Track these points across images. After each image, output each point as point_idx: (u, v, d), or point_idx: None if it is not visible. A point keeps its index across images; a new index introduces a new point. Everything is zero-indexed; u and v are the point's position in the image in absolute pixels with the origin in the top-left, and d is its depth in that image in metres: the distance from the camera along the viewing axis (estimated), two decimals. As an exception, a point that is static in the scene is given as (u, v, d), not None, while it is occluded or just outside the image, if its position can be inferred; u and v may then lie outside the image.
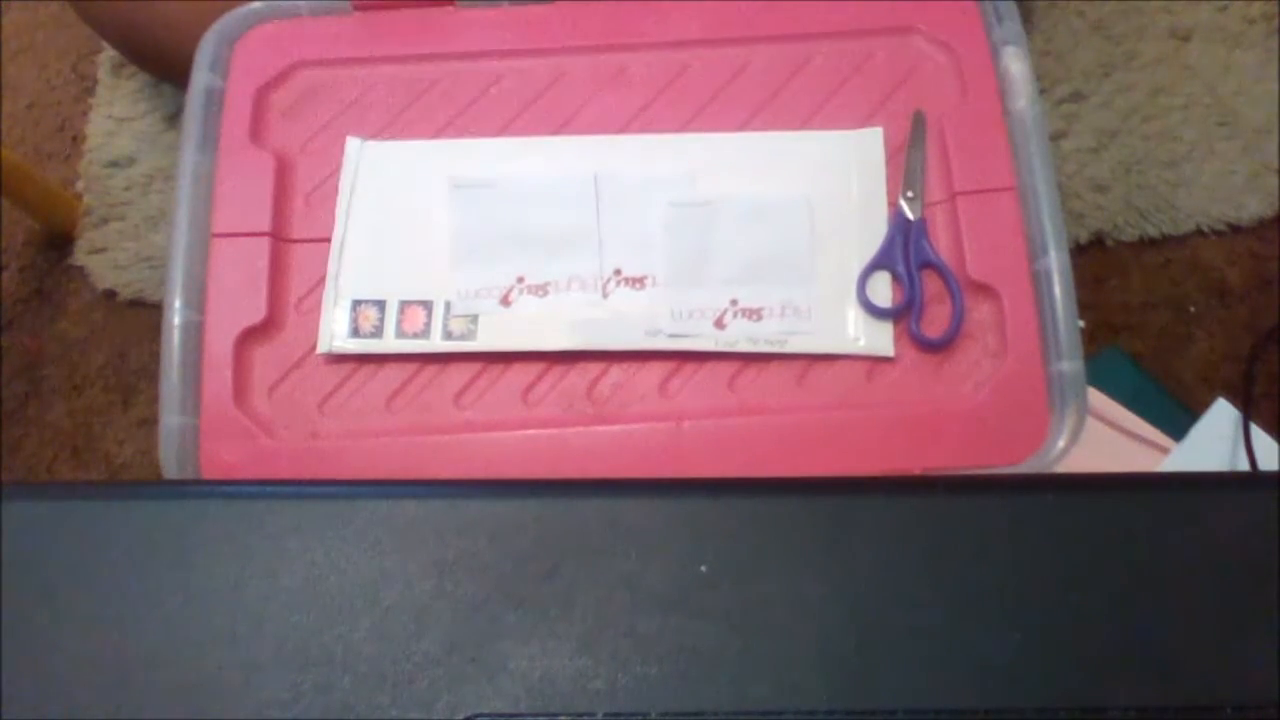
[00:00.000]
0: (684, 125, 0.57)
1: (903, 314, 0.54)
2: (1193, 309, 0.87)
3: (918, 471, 0.51)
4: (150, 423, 0.86)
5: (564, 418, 0.53)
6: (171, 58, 0.70)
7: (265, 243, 0.55)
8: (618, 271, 0.55)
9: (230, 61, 0.59)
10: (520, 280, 0.55)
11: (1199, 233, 0.89)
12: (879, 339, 0.53)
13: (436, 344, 0.54)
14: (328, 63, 0.59)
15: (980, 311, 0.54)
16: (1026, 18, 0.94)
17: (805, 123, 0.57)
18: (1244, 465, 0.75)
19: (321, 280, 0.55)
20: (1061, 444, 0.51)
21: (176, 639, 0.31)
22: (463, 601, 0.31)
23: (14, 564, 0.31)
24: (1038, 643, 0.30)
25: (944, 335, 0.53)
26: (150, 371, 0.88)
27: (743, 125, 0.57)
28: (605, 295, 0.54)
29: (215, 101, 0.57)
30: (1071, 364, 0.51)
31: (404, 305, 0.54)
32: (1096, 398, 0.78)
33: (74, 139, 0.97)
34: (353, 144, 0.57)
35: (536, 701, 0.30)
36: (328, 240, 0.55)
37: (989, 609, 0.31)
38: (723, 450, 0.52)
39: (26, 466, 0.87)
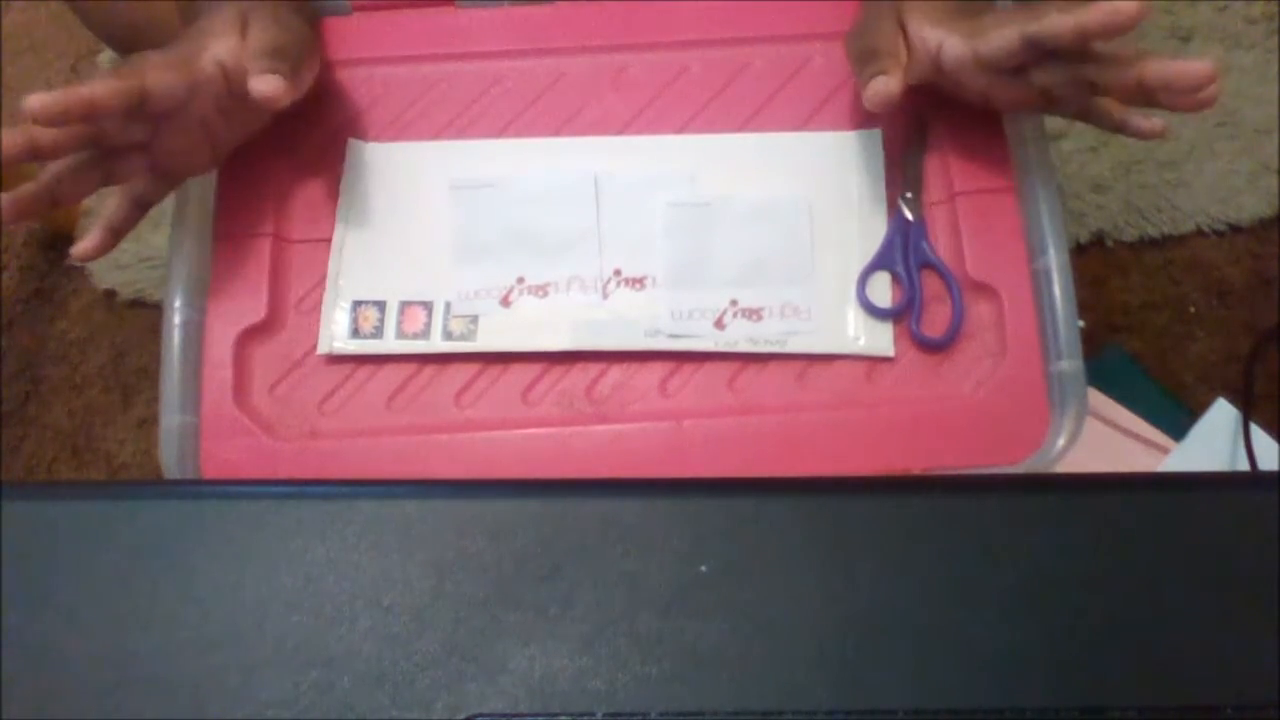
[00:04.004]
0: (684, 126, 0.57)
1: (903, 314, 0.54)
2: (1193, 309, 0.87)
3: (918, 471, 0.51)
4: (150, 423, 0.86)
5: (564, 417, 0.53)
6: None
7: (265, 243, 0.55)
8: (617, 272, 0.55)
9: (230, 61, 0.59)
10: (520, 281, 0.55)
11: (1199, 233, 0.89)
12: (879, 339, 0.53)
13: (437, 344, 0.54)
14: (328, 63, 0.59)
15: (980, 311, 0.54)
16: (1026, 18, 0.93)
17: (805, 123, 0.57)
18: (1244, 465, 0.75)
19: (321, 280, 0.55)
20: (1061, 444, 0.51)
21: (176, 639, 0.31)
22: (463, 601, 0.31)
23: (14, 564, 0.31)
24: (1038, 643, 0.30)
25: (944, 335, 0.53)
26: (150, 371, 0.88)
27: (743, 126, 0.57)
28: (605, 296, 0.54)
29: (215, 101, 0.57)
30: (1071, 364, 0.51)
31: (404, 306, 0.54)
32: (1096, 398, 0.78)
33: (74, 139, 0.97)
34: (353, 145, 0.57)
35: (536, 701, 0.30)
36: (328, 240, 0.55)
37: (989, 609, 0.31)
38: (723, 450, 0.52)
39: (26, 466, 0.87)
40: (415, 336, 0.54)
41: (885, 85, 0.50)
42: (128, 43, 0.81)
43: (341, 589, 0.31)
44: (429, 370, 0.54)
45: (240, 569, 0.31)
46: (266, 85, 0.49)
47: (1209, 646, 0.30)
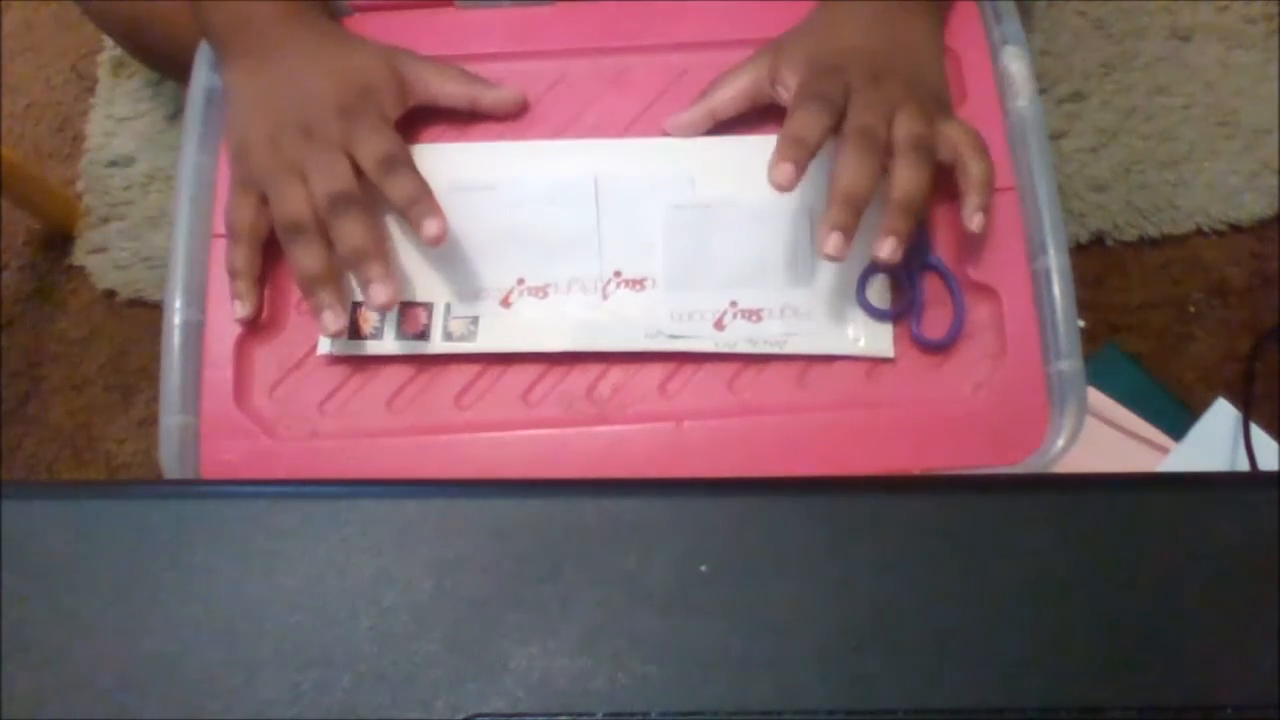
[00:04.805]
0: (684, 126, 0.57)
1: (903, 315, 0.54)
2: (1193, 309, 0.87)
3: (918, 471, 0.51)
4: (150, 423, 0.86)
5: (564, 418, 0.53)
6: (175, 54, 0.70)
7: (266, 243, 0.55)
8: (617, 273, 0.55)
9: (230, 62, 0.59)
10: (520, 282, 0.55)
11: (1199, 233, 0.89)
12: (879, 340, 0.53)
13: (437, 345, 0.53)
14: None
15: (980, 311, 0.54)
16: (1026, 18, 0.93)
17: (805, 123, 0.57)
18: (1244, 465, 0.75)
19: (322, 280, 0.55)
20: (1061, 444, 0.51)
21: (176, 639, 0.31)
22: (463, 601, 0.31)
23: (14, 564, 0.31)
24: (1038, 643, 0.30)
25: (945, 336, 0.53)
26: (150, 371, 0.88)
27: (743, 128, 0.57)
28: (605, 297, 0.54)
29: (215, 101, 0.57)
30: (1071, 364, 0.51)
31: (404, 307, 0.54)
32: (1096, 398, 0.78)
33: (74, 139, 0.97)
34: (353, 145, 0.57)
35: (536, 701, 0.30)
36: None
37: (989, 609, 0.31)
38: (723, 450, 0.52)
39: (26, 466, 0.87)
40: (415, 338, 0.54)
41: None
42: (131, 36, 0.81)
43: (341, 589, 0.31)
44: (429, 371, 0.54)
45: (240, 569, 0.31)
46: None
47: (1209, 646, 0.30)
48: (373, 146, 0.52)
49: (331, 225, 0.51)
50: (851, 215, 0.49)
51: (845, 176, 0.50)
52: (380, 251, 0.52)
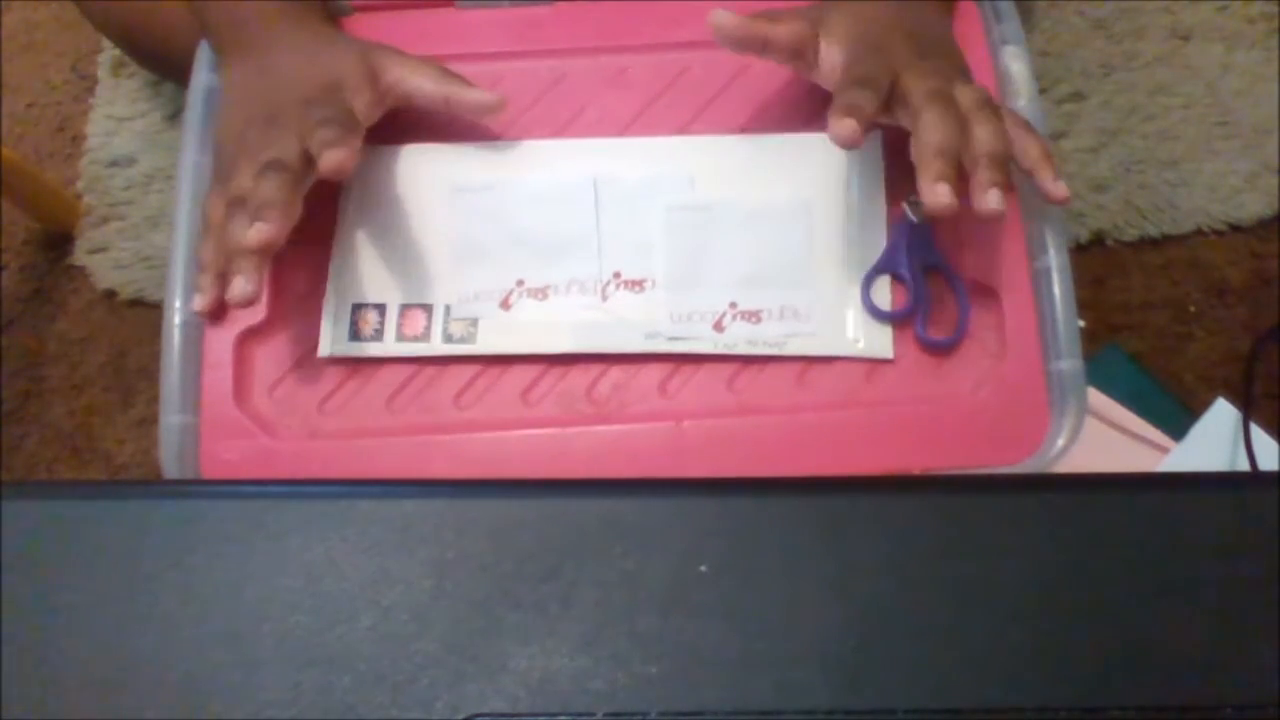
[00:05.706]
0: (684, 127, 0.57)
1: (908, 316, 0.54)
2: (1193, 309, 0.87)
3: (918, 471, 0.51)
4: (150, 423, 0.86)
5: (564, 418, 0.53)
6: (173, 57, 0.70)
7: (265, 243, 0.55)
8: (617, 274, 0.55)
9: (230, 62, 0.59)
10: (520, 283, 0.55)
11: (1199, 233, 0.89)
12: (878, 341, 0.53)
13: (437, 347, 0.53)
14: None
15: (980, 311, 0.54)
16: (1026, 18, 0.93)
17: (805, 125, 0.57)
18: (1244, 465, 0.75)
19: (322, 281, 0.55)
20: (1061, 444, 0.51)
21: (176, 639, 0.31)
22: (463, 601, 0.31)
23: (14, 564, 0.31)
24: (1038, 643, 0.30)
25: (950, 336, 0.53)
26: (150, 371, 0.88)
27: (743, 128, 0.57)
28: (605, 298, 0.54)
29: (215, 101, 0.57)
30: (1071, 363, 0.51)
31: (404, 309, 0.54)
32: (1096, 398, 0.78)
33: (74, 139, 0.97)
34: (353, 145, 0.57)
35: (537, 701, 0.30)
36: (328, 242, 0.55)
37: (989, 609, 0.31)
38: (723, 450, 0.52)
39: (26, 466, 0.87)
40: (415, 339, 0.54)
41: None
42: (128, 39, 0.81)
43: (341, 589, 0.31)
44: (429, 371, 0.54)
45: (240, 569, 0.31)
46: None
47: (1209, 646, 0.30)
48: (316, 137, 0.49)
49: (256, 185, 0.49)
50: (951, 168, 0.47)
51: (935, 133, 0.47)
52: (288, 213, 0.48)
